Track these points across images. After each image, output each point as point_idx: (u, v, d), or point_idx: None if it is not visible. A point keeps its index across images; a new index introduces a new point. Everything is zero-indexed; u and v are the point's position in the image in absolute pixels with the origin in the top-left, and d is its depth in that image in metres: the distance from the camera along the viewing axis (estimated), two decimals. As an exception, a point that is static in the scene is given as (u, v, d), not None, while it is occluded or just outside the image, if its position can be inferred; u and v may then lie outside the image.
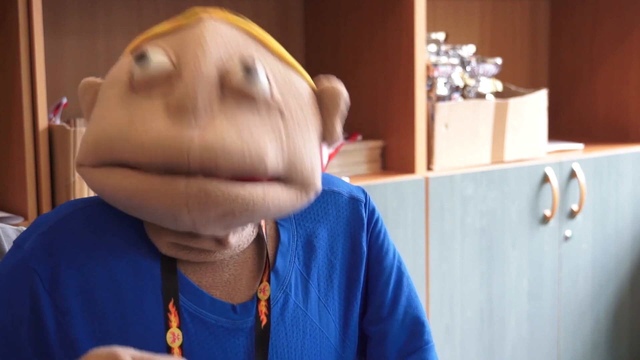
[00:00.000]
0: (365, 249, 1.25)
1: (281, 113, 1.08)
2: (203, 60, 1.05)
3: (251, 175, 1.04)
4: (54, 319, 1.10)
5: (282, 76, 1.11)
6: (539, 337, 2.70)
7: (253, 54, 1.09)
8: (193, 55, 1.05)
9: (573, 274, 2.75)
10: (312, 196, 1.12)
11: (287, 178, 1.08)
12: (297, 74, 1.14)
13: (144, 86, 1.06)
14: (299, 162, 1.08)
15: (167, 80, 1.06)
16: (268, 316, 1.16)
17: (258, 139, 1.04)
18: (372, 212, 1.26)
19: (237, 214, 1.05)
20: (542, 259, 2.67)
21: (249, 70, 1.06)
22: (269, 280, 1.17)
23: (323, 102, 1.15)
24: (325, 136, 1.15)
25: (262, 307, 1.16)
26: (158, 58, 1.07)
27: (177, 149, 1.00)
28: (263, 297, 1.16)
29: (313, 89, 1.15)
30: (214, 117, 1.03)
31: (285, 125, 1.08)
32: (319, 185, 1.12)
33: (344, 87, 1.16)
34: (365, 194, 1.27)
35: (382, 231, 1.27)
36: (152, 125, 1.02)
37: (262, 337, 1.15)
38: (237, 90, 1.05)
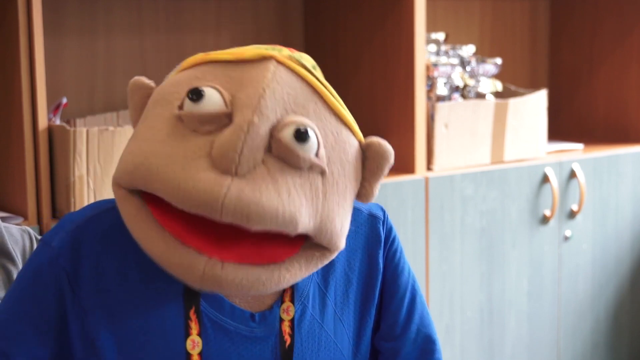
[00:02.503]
0: (381, 266, 1.26)
1: (322, 173, 1.07)
2: (257, 110, 1.03)
3: (280, 232, 1.03)
4: (78, 316, 1.11)
5: (333, 135, 1.10)
6: (539, 337, 2.70)
7: (310, 109, 1.08)
8: (248, 103, 1.04)
9: (573, 274, 2.75)
10: (334, 254, 1.12)
11: (314, 237, 1.07)
12: (347, 130, 1.13)
13: (193, 122, 1.05)
14: (330, 224, 1.07)
15: (217, 120, 1.04)
16: (292, 336, 1.17)
17: (295, 199, 1.03)
18: (389, 230, 1.27)
19: (250, 293, 1.06)
20: (542, 259, 2.67)
21: (300, 131, 1.04)
22: (292, 301, 1.17)
23: (367, 159, 1.14)
24: (361, 195, 1.15)
25: (286, 327, 1.17)
26: (212, 95, 1.05)
27: (213, 198, 0.99)
28: (287, 317, 1.17)
29: (360, 143, 1.15)
30: (256, 169, 1.02)
31: (324, 185, 1.07)
32: (342, 246, 1.11)
33: (391, 149, 1.14)
34: (384, 212, 1.28)
35: (399, 250, 1.28)
36: (191, 168, 1.01)
37: (286, 358, 1.16)
38: (284, 147, 1.04)
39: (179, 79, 1.11)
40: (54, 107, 2.11)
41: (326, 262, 1.11)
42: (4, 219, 1.86)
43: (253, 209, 0.99)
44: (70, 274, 1.11)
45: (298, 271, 1.07)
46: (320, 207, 1.06)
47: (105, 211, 1.15)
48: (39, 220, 1.94)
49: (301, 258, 1.08)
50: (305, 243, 1.08)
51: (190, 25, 2.51)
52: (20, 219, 1.92)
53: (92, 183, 1.96)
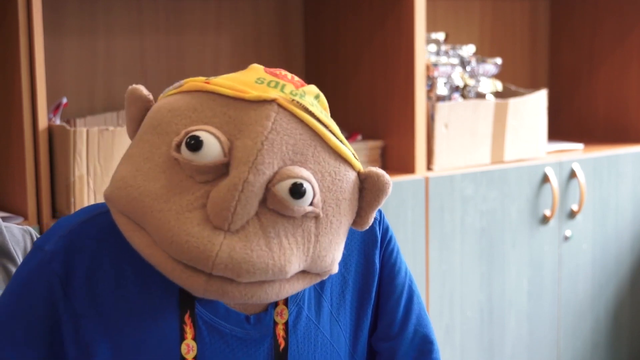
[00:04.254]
0: (377, 266, 1.26)
1: (316, 218, 1.08)
2: (253, 168, 1.03)
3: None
4: (71, 320, 1.11)
5: (330, 176, 1.10)
6: (539, 337, 2.70)
7: (309, 154, 1.08)
8: (245, 158, 1.04)
9: (573, 274, 2.75)
10: (328, 275, 1.13)
11: (305, 270, 1.09)
12: (346, 164, 1.12)
13: (190, 170, 1.05)
14: (322, 262, 1.09)
15: (214, 171, 1.05)
16: (286, 340, 1.17)
17: (286, 249, 1.05)
18: (385, 231, 1.27)
19: (252, 302, 1.07)
20: (542, 259, 2.67)
21: (296, 186, 1.04)
22: (286, 304, 1.17)
23: (365, 189, 1.13)
24: (357, 223, 1.15)
25: (280, 331, 1.17)
26: (210, 143, 1.05)
27: (205, 256, 1.00)
28: (280, 320, 1.17)
29: (359, 173, 1.14)
30: (249, 224, 1.03)
31: (317, 229, 1.08)
32: (335, 271, 1.13)
33: (389, 181, 1.13)
34: (380, 212, 1.27)
35: (395, 249, 1.28)
36: (186, 220, 1.02)
37: None
38: (279, 202, 1.04)
39: (177, 104, 1.10)
40: (54, 107, 2.11)
41: (320, 279, 1.13)
42: (4, 219, 1.86)
43: (244, 267, 1.01)
44: (63, 278, 1.10)
45: (296, 283, 1.08)
46: (312, 250, 1.08)
47: (98, 215, 1.15)
48: (39, 220, 1.94)
49: (298, 276, 1.09)
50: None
51: (190, 25, 2.51)
52: (20, 219, 1.92)
53: (92, 183, 1.96)
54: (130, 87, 1.14)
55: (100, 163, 1.96)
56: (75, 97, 2.34)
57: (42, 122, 1.92)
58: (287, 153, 1.06)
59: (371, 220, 1.15)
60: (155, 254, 1.04)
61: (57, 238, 1.13)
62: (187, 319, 1.12)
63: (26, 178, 1.92)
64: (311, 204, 1.06)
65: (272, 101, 1.08)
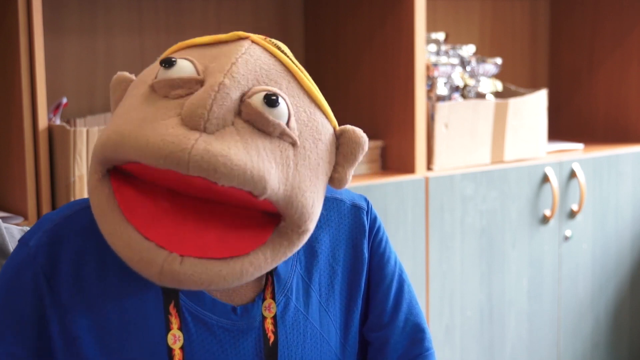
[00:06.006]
0: (366, 255, 1.26)
1: (293, 144, 1.07)
2: (229, 74, 1.04)
3: (249, 191, 1.02)
4: (57, 315, 1.11)
5: (306, 113, 1.10)
6: (539, 337, 2.70)
7: (283, 85, 1.09)
8: (220, 68, 1.05)
9: (573, 274, 2.75)
10: (303, 241, 1.10)
11: (284, 209, 1.06)
12: (322, 114, 1.13)
13: (164, 87, 1.06)
14: (301, 196, 1.06)
15: (188, 85, 1.06)
16: (275, 333, 1.17)
17: (264, 159, 1.03)
18: (373, 220, 1.27)
19: (211, 287, 1.04)
20: (542, 259, 2.67)
21: (270, 96, 1.05)
22: (273, 298, 1.17)
23: (341, 145, 1.14)
24: (334, 179, 1.14)
25: (269, 325, 1.17)
26: (184, 63, 1.07)
27: (180, 148, 0.99)
28: (269, 314, 1.17)
29: (335, 130, 1.15)
30: (225, 129, 1.02)
31: (295, 156, 1.07)
32: (312, 228, 1.10)
33: (365, 136, 1.15)
34: (367, 202, 1.28)
35: (384, 239, 1.28)
36: (161, 126, 1.02)
37: (270, 355, 1.16)
38: (254, 111, 1.04)
39: (154, 65, 1.13)
40: (54, 107, 2.11)
41: (294, 250, 1.09)
42: (4, 219, 1.86)
43: (221, 160, 0.99)
44: (48, 273, 1.11)
45: (263, 263, 1.05)
46: (291, 176, 1.06)
47: (82, 209, 1.15)
48: (39, 220, 1.94)
49: (267, 249, 1.06)
50: (273, 233, 1.07)
51: (190, 25, 2.51)
52: (20, 219, 1.92)
53: (92, 183, 1.95)
54: (115, 75, 1.16)
55: (100, 163, 1.96)
56: (75, 97, 2.34)
57: (42, 122, 1.92)
58: (261, 75, 1.08)
59: (349, 178, 1.15)
60: (118, 240, 1.02)
61: (41, 233, 1.13)
62: (171, 309, 1.12)
63: (26, 178, 1.92)
64: (287, 125, 1.06)
65: (246, 38, 1.11)
